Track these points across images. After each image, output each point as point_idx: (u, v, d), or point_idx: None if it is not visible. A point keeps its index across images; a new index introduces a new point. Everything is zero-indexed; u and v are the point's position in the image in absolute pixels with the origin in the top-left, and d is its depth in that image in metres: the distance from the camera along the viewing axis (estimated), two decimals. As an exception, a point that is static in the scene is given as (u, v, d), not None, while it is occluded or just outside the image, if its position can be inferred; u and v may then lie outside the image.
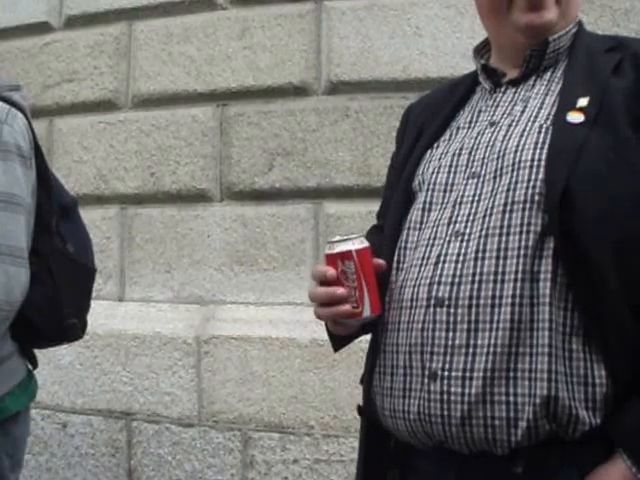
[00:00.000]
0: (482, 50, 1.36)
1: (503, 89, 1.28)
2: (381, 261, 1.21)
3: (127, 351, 3.00)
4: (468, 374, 1.09)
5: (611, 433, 1.06)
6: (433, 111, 1.36)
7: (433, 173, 1.25)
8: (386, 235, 1.28)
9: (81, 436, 3.05)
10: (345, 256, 1.16)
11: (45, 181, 1.70)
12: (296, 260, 2.94)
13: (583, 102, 1.14)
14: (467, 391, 1.08)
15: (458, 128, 1.29)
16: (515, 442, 1.07)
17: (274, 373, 2.79)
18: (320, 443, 2.74)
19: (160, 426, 2.93)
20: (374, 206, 2.47)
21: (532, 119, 1.18)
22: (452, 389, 1.10)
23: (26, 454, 2.94)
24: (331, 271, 1.16)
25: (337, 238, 1.19)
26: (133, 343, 3.00)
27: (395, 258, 1.24)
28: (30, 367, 1.75)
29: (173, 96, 3.10)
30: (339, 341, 1.35)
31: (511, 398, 1.06)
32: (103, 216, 3.18)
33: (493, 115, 1.25)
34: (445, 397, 1.10)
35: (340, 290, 1.16)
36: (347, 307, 1.16)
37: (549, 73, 1.25)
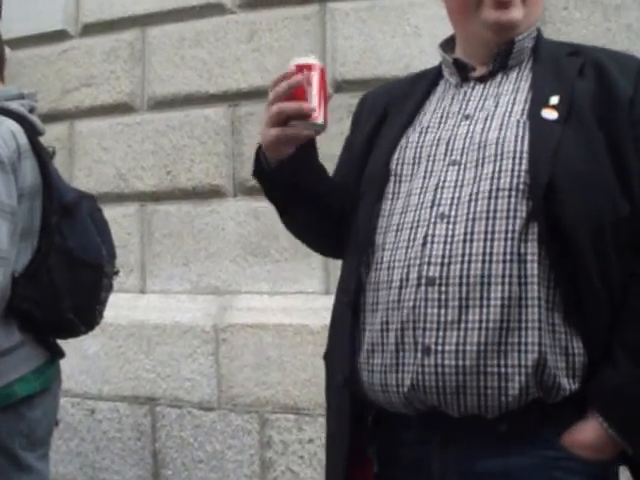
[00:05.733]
0: (446, 47, 1.38)
1: (472, 84, 1.30)
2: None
3: (149, 340, 3.00)
4: (461, 347, 1.10)
5: (587, 395, 1.12)
6: (397, 101, 1.37)
7: (414, 163, 1.25)
8: (363, 217, 1.27)
9: (108, 421, 3.06)
10: (310, 67, 1.18)
11: (45, 182, 1.72)
12: (306, 251, 2.80)
13: (554, 100, 1.19)
14: (461, 363, 1.10)
15: (431, 119, 1.29)
16: (505, 407, 1.11)
17: (288, 358, 2.79)
18: (334, 423, 2.74)
19: (182, 410, 2.93)
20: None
21: (508, 114, 1.21)
22: (446, 362, 1.11)
23: (57, 440, 2.97)
24: (292, 66, 1.18)
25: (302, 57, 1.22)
26: (155, 332, 3.00)
27: (380, 240, 1.23)
28: (50, 355, 1.77)
29: (186, 98, 3.09)
30: (263, 169, 1.30)
31: (502, 369, 1.10)
32: (123, 213, 3.17)
33: (466, 109, 1.26)
34: (440, 370, 1.12)
35: (299, 76, 1.17)
36: (310, 104, 1.16)
37: (515, 72, 1.28)
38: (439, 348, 1.12)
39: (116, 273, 1.94)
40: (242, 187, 3.01)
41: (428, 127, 1.28)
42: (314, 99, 1.18)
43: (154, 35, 3.17)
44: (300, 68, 1.18)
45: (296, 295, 2.87)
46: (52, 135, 3.12)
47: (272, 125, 1.21)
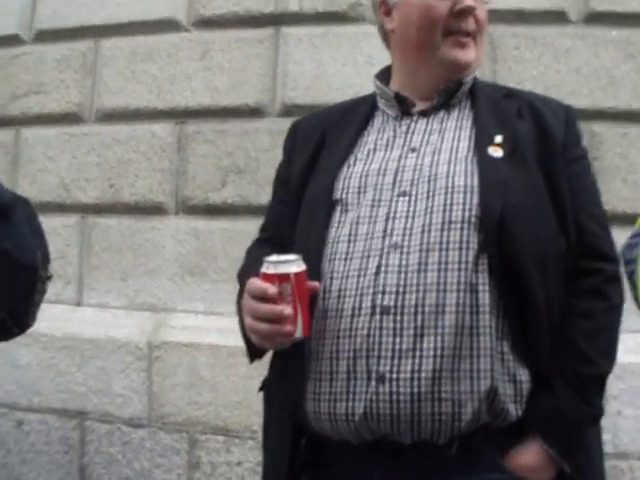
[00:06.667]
0: (381, 78, 1.38)
1: (415, 118, 1.30)
2: (316, 284, 1.17)
3: (82, 353, 2.91)
4: (416, 375, 1.10)
5: (527, 418, 1.16)
6: (334, 130, 1.34)
7: (359, 192, 1.23)
8: (309, 246, 1.23)
9: (36, 434, 2.95)
10: (283, 278, 1.11)
11: None
12: (245, 273, 2.87)
13: (499, 139, 1.23)
14: (416, 390, 1.10)
15: (374, 150, 1.28)
16: (457, 432, 1.12)
17: (221, 379, 2.73)
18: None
19: (112, 426, 2.85)
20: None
21: (455, 149, 1.23)
22: (401, 389, 1.11)
23: (-18, 450, 2.88)
24: (272, 289, 1.11)
25: (274, 258, 1.13)
26: (88, 346, 2.91)
27: (326, 268, 1.20)
28: None
29: (134, 112, 3.02)
30: (256, 352, 1.31)
31: (456, 396, 1.11)
32: (64, 224, 3.07)
33: (411, 142, 1.27)
34: (394, 397, 1.11)
35: (287, 310, 1.11)
36: (288, 327, 1.11)
37: (457, 110, 1.31)
38: (394, 376, 1.11)
39: (49, 278, 1.90)
40: (184, 205, 2.95)
41: (371, 157, 1.27)
42: (290, 315, 1.12)
43: (107, 47, 3.10)
44: (271, 279, 1.12)
45: (232, 316, 2.77)
46: (-2, 140, 3.07)
47: (253, 333, 1.17)
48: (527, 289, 1.14)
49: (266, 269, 1.13)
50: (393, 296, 1.13)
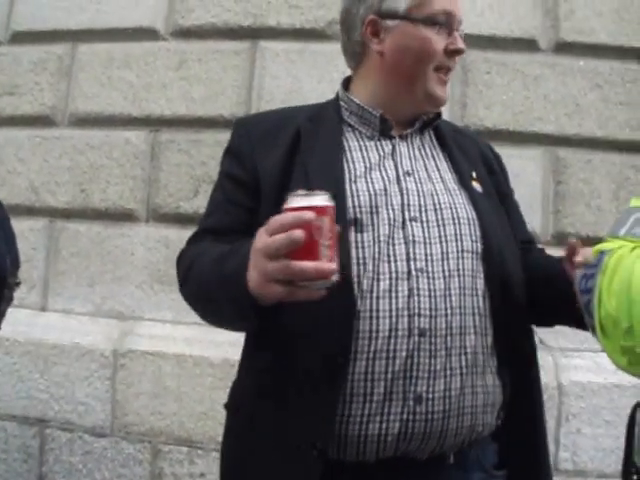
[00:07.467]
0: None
1: (397, 141, 1.31)
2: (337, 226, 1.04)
3: (46, 360, 2.85)
4: (447, 393, 1.16)
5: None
6: (307, 134, 1.28)
7: (372, 212, 1.21)
8: None
9: None
10: (321, 211, 0.94)
11: None
12: (213, 283, 2.83)
13: (474, 174, 1.31)
14: (447, 408, 1.16)
15: (370, 168, 1.25)
16: (468, 443, 1.20)
17: (186, 389, 2.70)
18: (224, 459, 2.67)
19: (73, 434, 2.79)
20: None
21: (444, 180, 1.28)
22: (435, 408, 1.15)
23: (-62, 456, 2.80)
24: (310, 214, 0.93)
25: (304, 192, 0.98)
26: (52, 352, 2.85)
27: (356, 288, 1.15)
28: None
29: (109, 118, 2.99)
30: (257, 311, 1.08)
31: (473, 410, 1.19)
32: (32, 227, 3.02)
33: (401, 164, 1.27)
34: (429, 416, 1.15)
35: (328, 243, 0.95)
36: (332, 264, 0.95)
37: (426, 138, 1.35)
38: (430, 396, 1.15)
39: (17, 284, 1.86)
40: (155, 213, 2.91)
41: (370, 176, 1.25)
42: (327, 253, 0.94)
43: (84, 52, 3.07)
44: (313, 211, 0.94)
45: (199, 326, 2.71)
46: (-32, 140, 3.01)
47: (275, 280, 0.98)
48: (519, 313, 1.25)
49: (298, 202, 0.95)
50: (427, 319, 1.16)
